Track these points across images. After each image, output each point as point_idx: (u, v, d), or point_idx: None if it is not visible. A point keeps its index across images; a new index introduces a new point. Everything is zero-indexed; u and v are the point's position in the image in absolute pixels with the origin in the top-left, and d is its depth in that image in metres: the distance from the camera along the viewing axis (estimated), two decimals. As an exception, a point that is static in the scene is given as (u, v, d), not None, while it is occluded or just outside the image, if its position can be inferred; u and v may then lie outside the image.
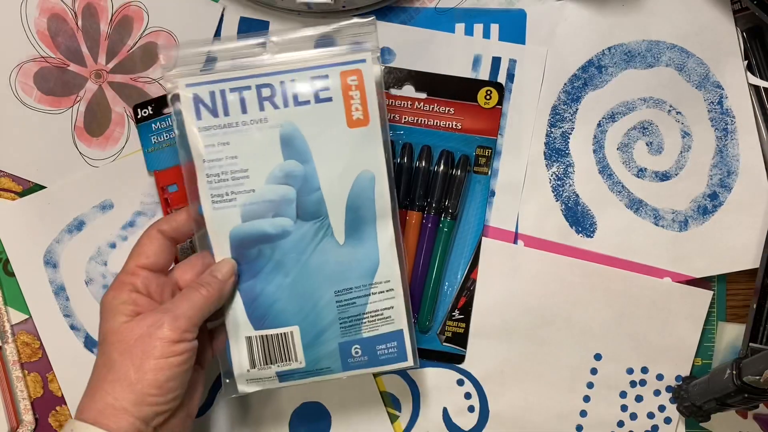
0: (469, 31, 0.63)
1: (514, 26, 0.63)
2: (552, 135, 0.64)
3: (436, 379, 0.65)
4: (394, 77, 0.62)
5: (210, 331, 0.57)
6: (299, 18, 0.63)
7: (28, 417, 0.65)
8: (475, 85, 0.63)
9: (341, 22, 0.56)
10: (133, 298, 0.52)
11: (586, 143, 0.64)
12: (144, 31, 0.63)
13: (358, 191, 0.55)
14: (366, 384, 0.65)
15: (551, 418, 0.65)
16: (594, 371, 0.65)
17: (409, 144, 0.62)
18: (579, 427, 0.65)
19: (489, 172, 0.63)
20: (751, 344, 0.61)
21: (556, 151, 0.64)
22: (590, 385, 0.65)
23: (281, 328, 0.56)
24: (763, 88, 0.63)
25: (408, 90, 0.63)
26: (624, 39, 0.63)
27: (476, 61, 0.63)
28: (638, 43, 0.63)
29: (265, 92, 0.54)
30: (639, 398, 0.65)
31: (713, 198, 0.64)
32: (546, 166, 0.64)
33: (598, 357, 0.65)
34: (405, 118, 0.62)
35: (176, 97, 0.54)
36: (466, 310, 0.64)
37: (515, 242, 0.64)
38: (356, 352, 0.57)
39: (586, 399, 0.65)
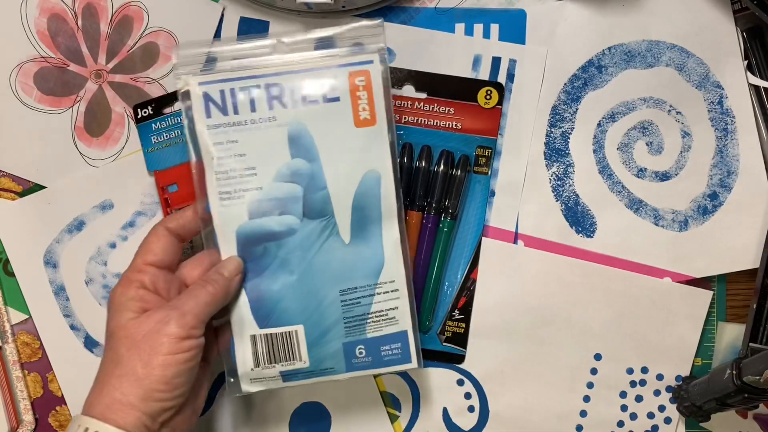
0: (469, 31, 0.63)
1: (514, 26, 0.63)
2: (552, 135, 0.64)
3: (436, 379, 0.65)
4: (394, 77, 0.62)
5: (215, 328, 0.58)
6: (299, 18, 0.63)
7: (28, 417, 0.65)
8: (475, 85, 0.63)
9: (351, 24, 0.56)
10: (140, 295, 0.53)
11: (586, 143, 0.64)
12: (144, 31, 0.63)
13: (364, 190, 0.56)
14: (366, 384, 0.65)
15: (551, 418, 0.65)
16: (594, 371, 0.65)
17: (409, 144, 0.62)
18: (579, 427, 0.65)
19: (489, 172, 0.63)
20: (751, 344, 0.61)
21: (556, 151, 0.64)
22: (590, 385, 0.65)
23: (286, 326, 0.56)
24: (763, 88, 0.63)
25: (408, 90, 0.63)
26: (624, 39, 0.63)
27: (476, 61, 0.63)
28: (638, 43, 0.63)
29: (274, 91, 0.55)
30: (639, 398, 0.65)
31: (713, 198, 0.64)
32: (546, 166, 0.64)
33: (598, 357, 0.65)
34: (405, 118, 0.62)
35: (186, 95, 0.55)
36: (466, 310, 0.64)
37: (515, 242, 0.64)
38: (360, 353, 0.57)
39: (586, 399, 0.65)
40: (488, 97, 0.63)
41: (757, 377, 0.55)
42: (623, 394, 0.65)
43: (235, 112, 0.55)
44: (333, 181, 0.55)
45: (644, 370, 0.65)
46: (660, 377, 0.65)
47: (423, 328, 0.64)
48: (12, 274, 0.65)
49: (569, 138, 0.64)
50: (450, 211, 0.63)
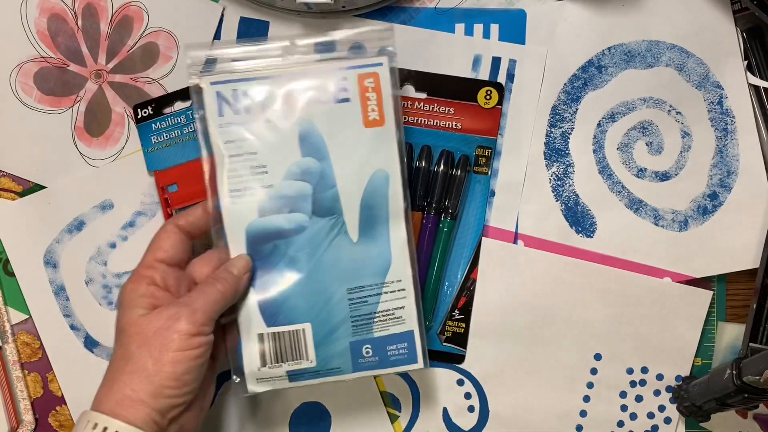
0: (469, 31, 0.63)
1: (514, 26, 0.63)
2: (552, 135, 0.64)
3: (436, 379, 0.65)
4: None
5: (223, 326, 0.58)
6: (299, 18, 0.63)
7: (28, 417, 0.65)
8: (475, 85, 0.63)
9: (361, 27, 0.58)
10: (151, 291, 0.53)
11: (586, 143, 0.64)
12: (144, 31, 0.63)
13: (373, 189, 0.56)
14: (366, 384, 0.65)
15: (551, 418, 0.65)
16: (594, 371, 0.65)
17: (409, 144, 0.62)
18: (579, 427, 0.65)
19: (489, 172, 0.63)
20: (751, 344, 0.61)
21: (556, 151, 0.64)
22: (590, 385, 0.65)
23: (293, 325, 0.56)
24: (763, 88, 0.63)
25: (408, 90, 0.63)
26: (624, 39, 0.63)
27: (476, 61, 0.63)
28: (638, 43, 0.63)
29: (286, 92, 0.55)
30: (639, 398, 0.65)
31: (713, 198, 0.64)
32: (546, 166, 0.64)
33: (598, 357, 0.65)
34: (405, 118, 0.62)
35: (199, 94, 0.55)
36: (466, 310, 0.64)
37: (515, 242, 0.64)
38: (367, 352, 0.57)
39: (586, 399, 0.65)
40: (488, 97, 0.63)
41: (757, 377, 0.55)
42: (623, 394, 0.65)
43: (247, 111, 0.55)
44: (342, 180, 0.56)
45: (644, 370, 0.65)
46: (660, 377, 0.65)
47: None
48: (12, 274, 0.65)
49: (569, 138, 0.64)
50: (450, 211, 0.63)
